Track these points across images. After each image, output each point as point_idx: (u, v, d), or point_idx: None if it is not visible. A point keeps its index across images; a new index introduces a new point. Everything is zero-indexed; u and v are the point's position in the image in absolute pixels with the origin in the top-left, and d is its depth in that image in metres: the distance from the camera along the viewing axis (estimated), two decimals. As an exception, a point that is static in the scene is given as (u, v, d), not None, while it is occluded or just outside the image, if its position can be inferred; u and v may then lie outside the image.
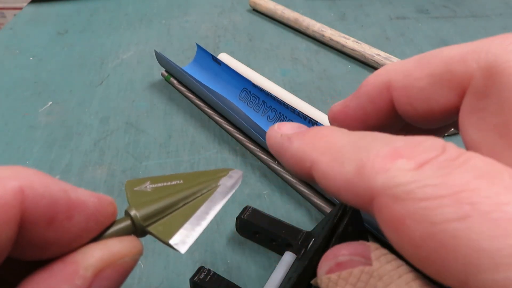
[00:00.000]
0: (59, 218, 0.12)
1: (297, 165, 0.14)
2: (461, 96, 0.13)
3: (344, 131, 0.13)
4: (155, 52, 0.39)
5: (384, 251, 0.12)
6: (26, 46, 0.48)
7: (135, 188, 0.15)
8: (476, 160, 0.10)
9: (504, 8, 0.56)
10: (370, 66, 0.44)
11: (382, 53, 0.42)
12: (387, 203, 0.10)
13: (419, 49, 0.47)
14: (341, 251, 0.13)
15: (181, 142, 0.35)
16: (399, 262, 0.12)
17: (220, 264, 0.25)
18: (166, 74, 0.41)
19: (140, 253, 0.13)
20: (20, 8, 0.85)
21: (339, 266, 0.12)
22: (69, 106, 0.39)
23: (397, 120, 0.16)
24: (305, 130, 0.15)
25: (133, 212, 0.14)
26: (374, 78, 0.15)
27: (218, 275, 0.22)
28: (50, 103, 0.39)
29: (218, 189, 0.15)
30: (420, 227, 0.09)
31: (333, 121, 0.17)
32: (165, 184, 0.15)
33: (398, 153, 0.11)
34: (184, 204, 0.14)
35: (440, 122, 0.14)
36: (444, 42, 0.48)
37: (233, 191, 0.15)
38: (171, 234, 0.13)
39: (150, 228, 0.14)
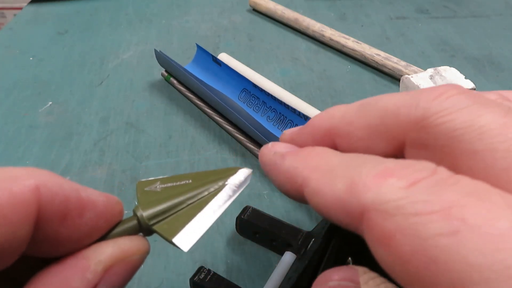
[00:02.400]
0: (71, 216, 0.12)
1: (288, 183, 0.14)
2: (397, 147, 0.13)
3: (337, 152, 0.14)
4: (155, 51, 0.39)
5: (372, 274, 0.12)
6: (26, 46, 0.48)
7: (146, 188, 0.15)
8: (466, 180, 0.10)
9: (504, 8, 0.56)
10: (370, 66, 0.44)
11: (382, 53, 0.42)
12: (377, 219, 0.10)
13: (419, 49, 0.47)
14: (332, 276, 0.13)
15: (181, 142, 0.35)
16: (388, 285, 0.12)
17: (220, 264, 0.25)
18: (166, 74, 0.41)
19: (147, 252, 0.14)
20: (20, 8, 0.85)
21: None
22: (69, 106, 0.39)
23: None
24: (298, 149, 0.15)
25: (139, 212, 0.14)
26: (318, 122, 0.15)
27: (218, 275, 0.22)
28: (50, 103, 0.39)
29: (225, 188, 0.15)
30: (410, 242, 0.10)
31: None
32: (174, 184, 0.15)
33: (389, 172, 0.11)
34: (190, 203, 0.15)
35: None
36: (444, 42, 0.48)
37: (241, 189, 0.15)
38: (175, 232, 0.14)
39: (155, 227, 0.14)
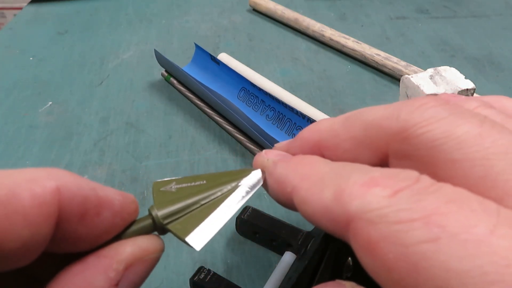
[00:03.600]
0: (89, 215, 0.13)
1: (279, 190, 0.14)
2: (381, 158, 0.14)
3: (327, 160, 0.14)
4: (155, 51, 0.39)
5: None
6: (26, 46, 0.48)
7: (161, 189, 0.15)
8: (447, 188, 0.10)
9: (504, 8, 0.56)
10: (370, 66, 0.44)
11: (382, 53, 0.42)
12: (362, 227, 0.11)
13: (419, 49, 0.47)
14: None
15: (181, 142, 0.35)
16: None
17: (220, 264, 0.25)
18: (166, 74, 0.41)
19: (162, 250, 0.14)
20: (20, 8, 0.85)
21: None
22: (69, 106, 0.39)
23: None
24: (290, 157, 0.16)
25: (154, 212, 0.14)
26: (306, 135, 0.16)
27: (218, 275, 0.22)
28: (50, 103, 0.39)
29: (238, 189, 0.15)
30: (393, 249, 0.10)
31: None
32: (189, 184, 0.15)
33: (374, 181, 0.11)
34: (204, 204, 0.15)
35: None
36: (444, 42, 0.48)
37: (254, 190, 0.16)
38: (188, 232, 0.14)
39: (169, 226, 0.14)
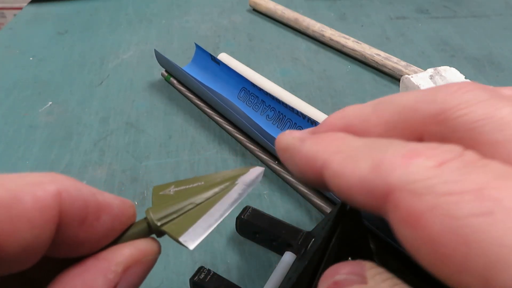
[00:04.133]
0: (89, 219, 0.13)
1: (308, 166, 0.14)
2: (415, 141, 0.13)
3: (358, 137, 0.13)
4: (155, 51, 0.39)
5: (379, 269, 0.13)
6: (26, 46, 0.48)
7: (161, 193, 0.16)
8: (496, 164, 0.10)
9: (504, 8, 0.56)
10: (370, 66, 0.44)
11: (382, 53, 0.42)
12: (404, 198, 0.10)
13: (419, 49, 0.47)
14: (339, 270, 0.13)
15: (181, 142, 0.35)
16: (395, 280, 0.12)
17: (220, 264, 0.25)
18: (166, 74, 0.41)
19: (159, 252, 0.15)
20: (20, 8, 0.85)
21: (336, 284, 0.13)
22: (69, 106, 0.39)
23: None
24: (318, 134, 0.15)
25: (149, 215, 0.15)
26: (333, 120, 0.15)
27: (218, 275, 0.22)
28: (50, 103, 0.39)
29: (234, 188, 0.15)
30: (441, 222, 0.09)
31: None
32: (187, 186, 0.16)
33: (417, 152, 0.11)
34: (199, 204, 0.15)
35: None
36: (444, 42, 0.48)
37: (251, 188, 0.16)
38: (182, 232, 0.14)
39: (164, 227, 0.15)
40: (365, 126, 0.14)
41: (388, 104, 0.14)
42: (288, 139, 0.15)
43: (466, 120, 0.12)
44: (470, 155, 0.10)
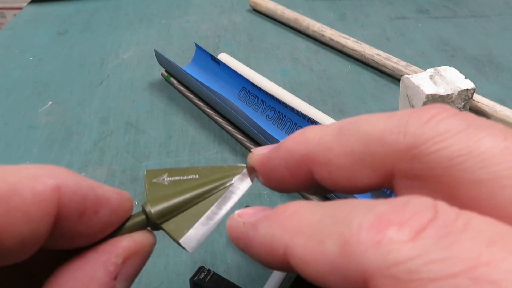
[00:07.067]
0: (87, 213, 0.13)
1: (268, 255, 0.12)
2: (385, 177, 0.12)
3: (315, 203, 0.12)
4: (155, 51, 0.39)
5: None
6: (26, 46, 0.48)
7: (154, 180, 0.16)
8: (477, 221, 0.09)
9: (504, 8, 0.56)
10: (370, 66, 0.44)
11: (382, 53, 0.42)
12: (387, 287, 0.08)
13: (419, 49, 0.47)
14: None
15: (181, 142, 0.35)
16: None
17: (220, 264, 0.25)
18: (166, 74, 0.41)
19: (155, 244, 0.15)
20: (20, 8, 0.85)
21: None
22: (69, 106, 0.39)
23: (319, 184, 0.14)
24: (270, 212, 0.13)
25: (148, 208, 0.15)
26: (292, 146, 0.14)
27: (218, 275, 0.22)
28: (50, 103, 0.39)
29: (231, 188, 0.15)
30: None
31: (258, 168, 0.16)
32: (181, 178, 0.16)
33: (384, 220, 0.09)
34: (197, 203, 0.15)
35: (366, 192, 0.13)
36: (444, 42, 0.48)
37: (246, 189, 0.16)
38: (182, 233, 0.15)
39: (163, 226, 0.15)
40: (327, 156, 0.13)
41: (352, 132, 0.12)
42: (239, 227, 0.13)
43: (443, 156, 0.10)
44: (445, 213, 0.09)
